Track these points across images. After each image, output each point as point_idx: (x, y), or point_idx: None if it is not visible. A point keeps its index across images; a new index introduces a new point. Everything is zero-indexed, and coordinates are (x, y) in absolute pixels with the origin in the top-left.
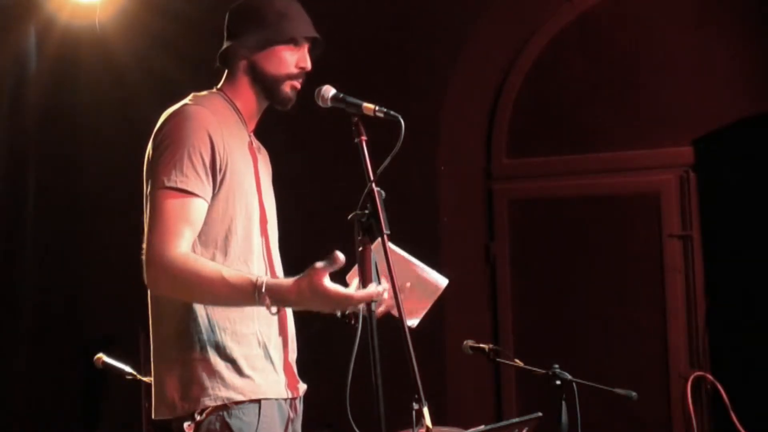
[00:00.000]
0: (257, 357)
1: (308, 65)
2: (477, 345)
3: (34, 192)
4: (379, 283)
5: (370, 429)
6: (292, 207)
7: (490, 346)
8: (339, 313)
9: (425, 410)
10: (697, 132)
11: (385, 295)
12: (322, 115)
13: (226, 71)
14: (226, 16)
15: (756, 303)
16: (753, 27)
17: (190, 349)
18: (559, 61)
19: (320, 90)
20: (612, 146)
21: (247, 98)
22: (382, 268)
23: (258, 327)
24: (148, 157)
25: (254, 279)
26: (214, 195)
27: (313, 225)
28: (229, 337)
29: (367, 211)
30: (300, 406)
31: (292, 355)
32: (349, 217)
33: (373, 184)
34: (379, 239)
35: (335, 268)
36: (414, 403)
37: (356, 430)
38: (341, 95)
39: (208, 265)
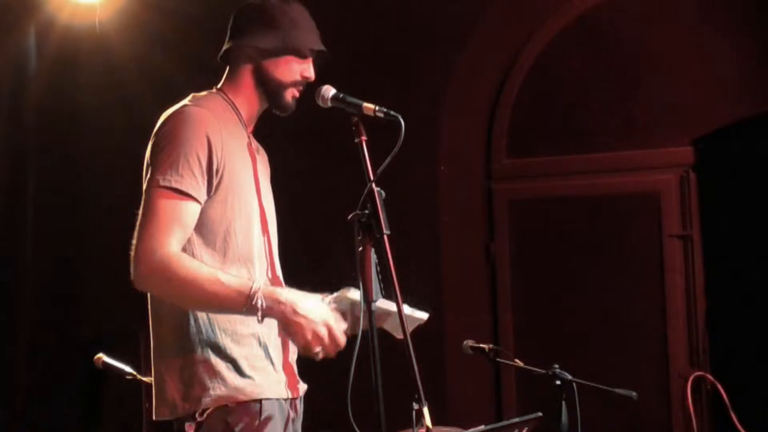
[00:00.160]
0: (257, 357)
1: (312, 76)
2: (477, 345)
3: (34, 192)
4: (380, 283)
5: (370, 429)
6: (292, 207)
7: (490, 346)
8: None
9: (425, 410)
10: (697, 132)
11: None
12: (322, 115)
13: (228, 70)
14: (235, 14)
15: (756, 303)
16: (753, 27)
17: (190, 349)
18: (559, 61)
19: (320, 90)
20: (612, 146)
21: (249, 100)
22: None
23: (258, 327)
24: (147, 157)
25: (251, 282)
26: (213, 196)
27: (313, 225)
28: (230, 338)
29: (367, 211)
30: (300, 406)
31: (293, 356)
32: (349, 217)
33: (373, 184)
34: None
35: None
36: (414, 403)
37: (356, 430)
38: (341, 95)
39: (201, 266)
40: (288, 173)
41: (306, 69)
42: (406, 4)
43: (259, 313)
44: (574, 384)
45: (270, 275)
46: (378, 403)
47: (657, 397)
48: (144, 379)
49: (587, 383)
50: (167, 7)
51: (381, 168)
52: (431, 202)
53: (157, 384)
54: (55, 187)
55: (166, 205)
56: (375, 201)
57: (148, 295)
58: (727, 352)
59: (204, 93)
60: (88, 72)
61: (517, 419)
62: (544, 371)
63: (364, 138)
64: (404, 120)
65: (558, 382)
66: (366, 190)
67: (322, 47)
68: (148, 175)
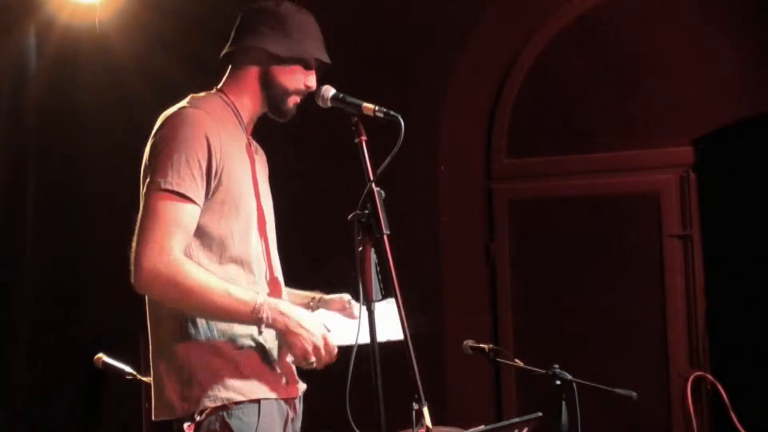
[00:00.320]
0: (256, 357)
1: (315, 87)
2: (477, 345)
3: (34, 192)
4: (380, 283)
5: (370, 429)
6: (291, 207)
7: (490, 346)
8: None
9: (425, 410)
10: (697, 132)
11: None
12: (322, 115)
13: (231, 70)
14: (244, 15)
15: (756, 303)
16: (753, 27)
17: (189, 350)
18: (559, 61)
19: (320, 90)
20: (612, 146)
21: (251, 102)
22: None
23: (256, 328)
24: (145, 159)
25: (257, 294)
26: (211, 198)
27: (313, 225)
28: (228, 338)
29: (367, 211)
30: (300, 406)
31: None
32: (349, 217)
33: (373, 184)
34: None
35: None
36: (414, 403)
37: (356, 430)
38: (341, 95)
39: (210, 276)
40: (288, 173)
41: (310, 79)
42: (406, 4)
43: (263, 326)
44: (574, 384)
45: (268, 277)
46: (378, 403)
47: (657, 397)
48: (144, 379)
49: (587, 383)
50: (167, 7)
51: (381, 168)
52: (431, 202)
53: (156, 385)
54: (55, 187)
55: (168, 208)
56: (375, 201)
57: (146, 296)
58: (727, 352)
59: (203, 94)
60: (88, 72)
61: (517, 419)
62: (544, 371)
63: (363, 138)
64: (404, 120)
65: (558, 382)
66: (366, 190)
67: (327, 59)
68: (148, 178)
